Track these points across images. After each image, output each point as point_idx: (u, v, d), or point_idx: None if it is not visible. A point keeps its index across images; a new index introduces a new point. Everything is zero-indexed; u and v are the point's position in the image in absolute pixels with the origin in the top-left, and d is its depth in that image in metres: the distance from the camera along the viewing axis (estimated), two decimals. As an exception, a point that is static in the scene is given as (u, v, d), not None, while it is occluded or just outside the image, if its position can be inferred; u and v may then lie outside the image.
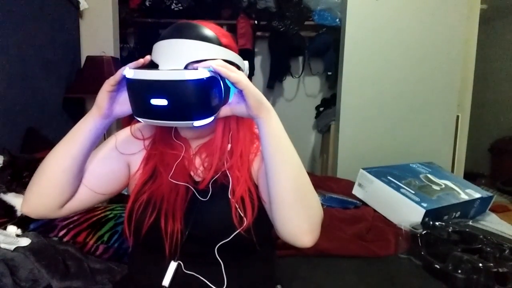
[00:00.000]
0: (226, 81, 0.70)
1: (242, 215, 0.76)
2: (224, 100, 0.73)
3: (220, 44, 0.75)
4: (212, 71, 0.68)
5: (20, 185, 1.09)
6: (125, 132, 0.89)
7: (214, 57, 0.73)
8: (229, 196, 0.78)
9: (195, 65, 0.69)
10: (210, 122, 0.72)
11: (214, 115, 0.72)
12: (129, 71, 0.68)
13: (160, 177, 0.82)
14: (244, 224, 0.75)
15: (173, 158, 0.83)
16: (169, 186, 0.80)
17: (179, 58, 0.71)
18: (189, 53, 0.72)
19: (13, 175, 1.10)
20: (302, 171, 0.74)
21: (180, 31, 0.74)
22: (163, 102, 0.67)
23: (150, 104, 0.67)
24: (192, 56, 0.71)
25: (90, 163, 0.82)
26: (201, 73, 0.66)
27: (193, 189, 0.80)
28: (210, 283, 0.77)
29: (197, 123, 0.70)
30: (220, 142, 0.81)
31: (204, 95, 0.68)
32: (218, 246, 0.76)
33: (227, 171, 0.80)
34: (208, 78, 0.67)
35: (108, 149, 0.85)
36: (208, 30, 0.75)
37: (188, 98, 0.67)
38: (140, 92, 0.69)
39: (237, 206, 0.76)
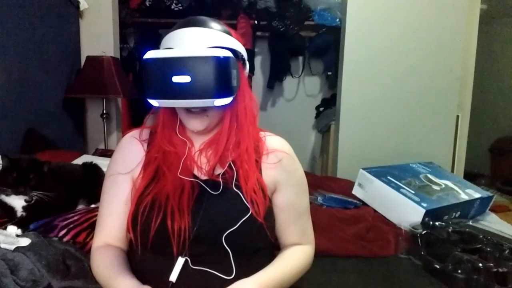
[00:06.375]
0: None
1: (253, 203, 0.78)
2: (238, 84, 0.78)
3: (230, 35, 0.80)
4: (231, 49, 0.74)
5: (27, 188, 1.08)
6: (119, 152, 0.90)
7: (229, 45, 0.77)
8: (234, 188, 0.80)
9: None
10: (226, 105, 0.76)
11: (232, 96, 0.75)
12: (151, 52, 0.71)
13: (164, 178, 0.81)
14: (258, 212, 0.78)
15: (176, 157, 0.83)
16: (173, 185, 0.80)
17: (197, 44, 0.75)
18: (208, 39, 0.75)
19: (18, 177, 1.08)
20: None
21: (195, 22, 0.78)
22: (186, 79, 0.69)
23: (171, 82, 0.70)
24: (210, 42, 0.75)
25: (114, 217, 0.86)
26: (224, 52, 0.71)
27: (202, 183, 0.81)
28: (219, 273, 0.77)
29: (218, 101, 0.72)
30: (226, 136, 0.83)
31: (226, 73, 0.72)
32: (226, 235, 0.76)
33: (232, 163, 0.82)
34: (230, 57, 0.71)
35: (115, 190, 0.87)
36: (220, 22, 0.80)
37: (211, 74, 0.70)
38: (161, 70, 0.71)
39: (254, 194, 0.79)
